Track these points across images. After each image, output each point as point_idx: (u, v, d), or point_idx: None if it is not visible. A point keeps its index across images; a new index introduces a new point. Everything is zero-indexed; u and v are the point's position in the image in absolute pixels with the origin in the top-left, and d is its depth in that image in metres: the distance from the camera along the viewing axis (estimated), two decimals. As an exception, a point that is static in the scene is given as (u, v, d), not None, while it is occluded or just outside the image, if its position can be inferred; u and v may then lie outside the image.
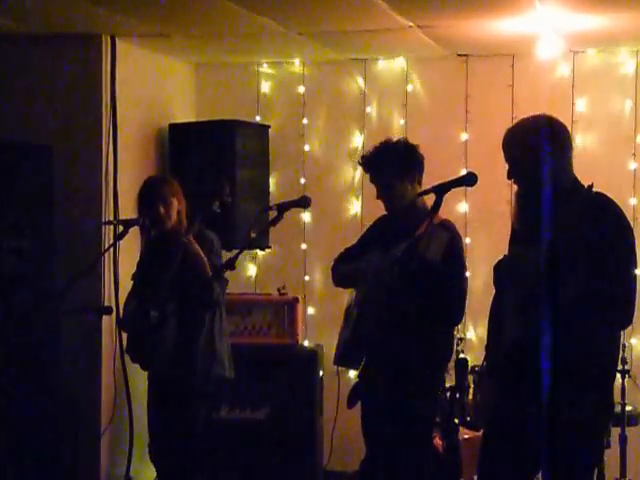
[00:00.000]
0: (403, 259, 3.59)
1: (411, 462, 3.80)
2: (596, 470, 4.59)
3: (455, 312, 3.83)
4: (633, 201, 5.22)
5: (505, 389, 3.13)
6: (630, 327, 4.62)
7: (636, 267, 3.04)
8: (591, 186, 3.01)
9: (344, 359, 3.96)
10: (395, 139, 4.00)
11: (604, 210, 3.03)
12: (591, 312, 2.94)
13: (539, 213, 2.98)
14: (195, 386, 4.09)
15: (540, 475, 3.28)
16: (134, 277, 4.34)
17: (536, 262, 2.92)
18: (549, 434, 2.96)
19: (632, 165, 5.26)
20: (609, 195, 3.10)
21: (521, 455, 3.06)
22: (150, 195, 4.17)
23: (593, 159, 5.20)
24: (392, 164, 3.88)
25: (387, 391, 3.73)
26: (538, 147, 3.03)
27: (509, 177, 3.14)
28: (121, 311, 4.45)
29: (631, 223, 3.13)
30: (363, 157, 3.99)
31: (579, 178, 3.15)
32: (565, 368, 2.94)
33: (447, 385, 4.59)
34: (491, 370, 3.24)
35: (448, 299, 3.76)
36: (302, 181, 5.65)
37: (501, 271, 3.12)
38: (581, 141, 5.27)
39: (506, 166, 3.15)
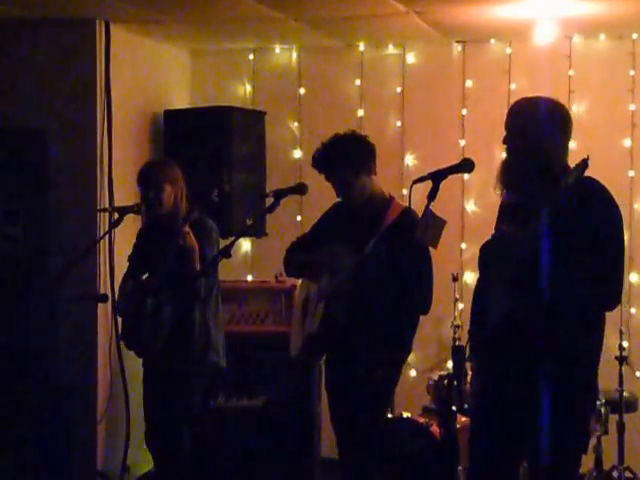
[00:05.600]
0: (382, 252, 3.60)
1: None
2: (594, 457, 4.62)
3: (429, 300, 3.80)
4: (631, 173, 5.23)
5: (490, 370, 3.12)
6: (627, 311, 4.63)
7: (624, 251, 3.05)
8: (584, 165, 2.99)
9: (307, 355, 3.94)
10: (342, 133, 3.86)
11: (594, 194, 3.03)
12: (579, 293, 2.95)
13: (529, 184, 3.01)
14: (190, 373, 4.08)
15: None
16: (130, 259, 4.31)
17: (525, 242, 2.92)
18: (535, 417, 2.96)
19: (627, 142, 5.25)
20: (595, 169, 3.08)
21: (507, 438, 3.06)
22: (143, 180, 4.14)
23: (590, 136, 5.15)
24: (345, 161, 3.76)
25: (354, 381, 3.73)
26: (543, 119, 3.06)
27: (504, 141, 3.14)
28: (116, 295, 4.42)
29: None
30: (314, 158, 3.86)
31: (577, 156, 3.12)
32: (551, 348, 2.94)
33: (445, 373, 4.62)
34: (474, 352, 3.23)
35: (425, 287, 3.75)
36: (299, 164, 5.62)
37: (487, 252, 3.11)
38: (578, 126, 5.23)
39: (503, 133, 3.14)
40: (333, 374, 3.94)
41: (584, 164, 2.93)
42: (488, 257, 3.10)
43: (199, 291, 3.99)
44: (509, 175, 3.10)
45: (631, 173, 5.25)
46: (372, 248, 3.65)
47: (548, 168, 3.01)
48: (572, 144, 3.03)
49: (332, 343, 3.82)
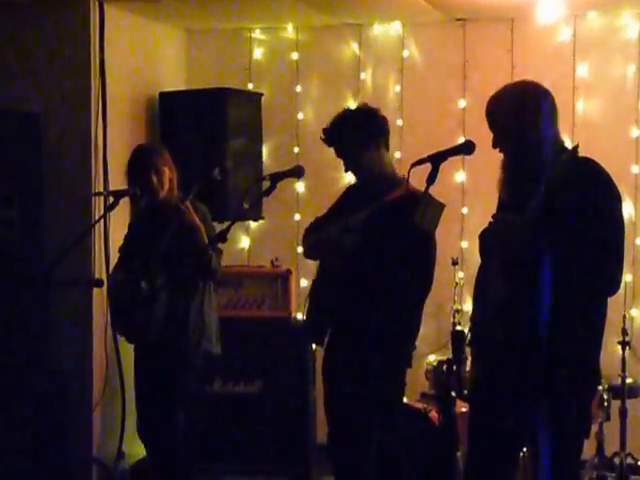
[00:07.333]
0: (372, 225, 3.53)
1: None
2: (596, 443, 4.57)
3: (431, 278, 3.72)
4: (635, 169, 5.11)
5: (490, 358, 3.07)
6: (631, 298, 4.58)
7: (624, 233, 2.98)
8: (576, 148, 2.92)
9: (310, 335, 3.89)
10: (353, 107, 3.80)
11: (592, 175, 2.97)
12: (579, 278, 2.90)
13: (525, 181, 2.94)
14: (184, 358, 4.03)
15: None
16: (120, 250, 4.27)
17: (522, 226, 2.86)
18: (535, 404, 2.92)
19: (635, 132, 5.15)
20: (597, 160, 3.03)
21: (506, 425, 3.02)
22: (141, 164, 4.09)
23: (595, 125, 5.11)
24: (352, 134, 3.67)
25: (348, 361, 3.65)
26: (522, 114, 2.99)
27: (494, 146, 3.07)
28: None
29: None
30: (323, 132, 3.77)
31: (581, 145, 3.05)
32: (551, 335, 2.88)
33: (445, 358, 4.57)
34: (475, 340, 3.18)
35: (426, 267, 3.67)
36: (295, 150, 5.56)
37: (486, 239, 3.06)
38: (582, 107, 5.17)
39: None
40: (327, 360, 3.86)
41: (575, 150, 2.89)
42: (487, 244, 3.05)
43: (214, 265, 3.93)
44: (503, 175, 3.06)
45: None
46: (354, 221, 3.58)
47: (532, 158, 2.95)
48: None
49: (317, 325, 3.76)
